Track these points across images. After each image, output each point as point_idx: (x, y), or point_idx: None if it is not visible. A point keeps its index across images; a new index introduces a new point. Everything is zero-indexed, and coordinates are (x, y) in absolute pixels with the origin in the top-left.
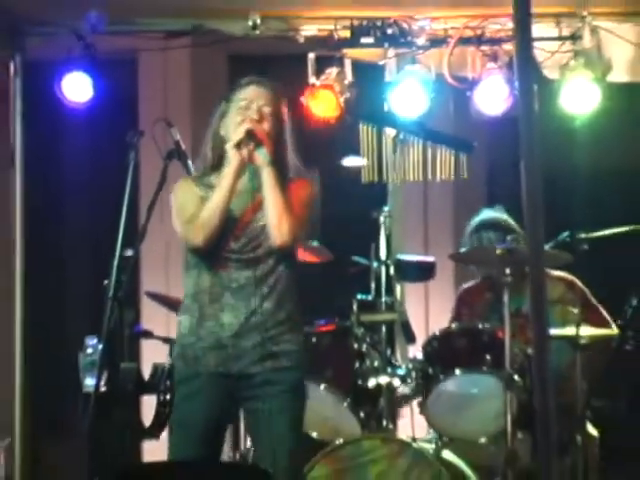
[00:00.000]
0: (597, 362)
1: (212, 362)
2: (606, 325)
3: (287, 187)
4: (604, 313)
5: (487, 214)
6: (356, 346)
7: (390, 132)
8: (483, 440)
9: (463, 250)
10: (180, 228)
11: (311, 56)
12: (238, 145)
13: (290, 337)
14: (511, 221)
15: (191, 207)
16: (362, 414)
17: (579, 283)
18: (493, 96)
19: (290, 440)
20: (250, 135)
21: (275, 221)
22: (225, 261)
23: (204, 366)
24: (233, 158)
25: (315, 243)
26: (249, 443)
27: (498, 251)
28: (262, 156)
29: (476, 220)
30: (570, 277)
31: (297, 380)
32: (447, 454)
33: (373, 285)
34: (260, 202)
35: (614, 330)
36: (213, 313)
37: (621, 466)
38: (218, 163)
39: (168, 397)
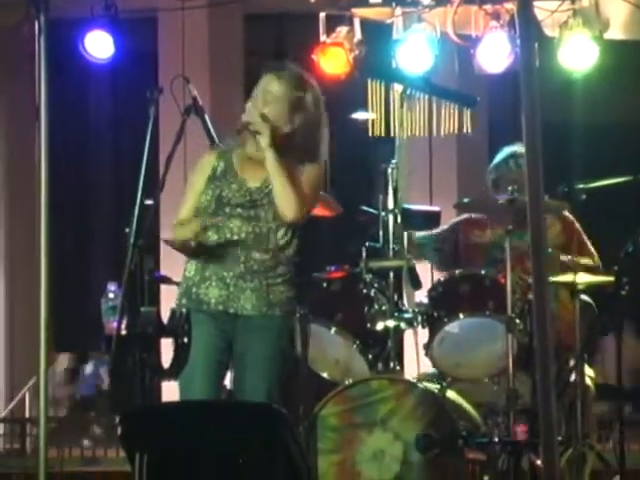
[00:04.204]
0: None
1: (213, 300)
2: (590, 255)
3: (296, 167)
4: (591, 248)
5: (518, 147)
6: (365, 291)
7: (397, 87)
8: (485, 380)
9: (491, 177)
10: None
11: (322, 15)
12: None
13: (284, 288)
14: None
15: (187, 204)
16: (370, 356)
17: (572, 218)
18: (495, 53)
19: (270, 388)
20: (246, 127)
21: (280, 198)
22: (228, 217)
23: (206, 303)
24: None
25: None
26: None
27: (500, 201)
28: (261, 142)
29: (507, 151)
30: (569, 217)
31: (285, 329)
32: (451, 394)
33: (381, 233)
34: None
35: (597, 260)
36: (217, 259)
37: (616, 405)
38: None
39: (186, 340)
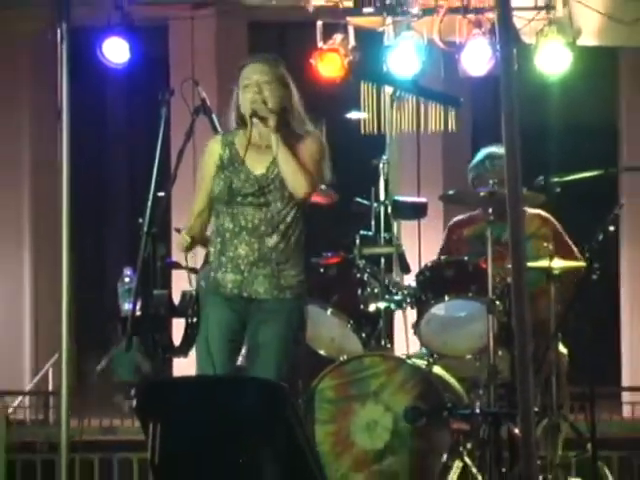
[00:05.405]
0: (567, 290)
1: (229, 284)
2: (574, 258)
3: (297, 144)
4: (573, 247)
5: (495, 148)
6: (359, 276)
7: (388, 89)
8: (468, 357)
9: (470, 175)
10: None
11: (319, 24)
12: (251, 118)
13: (294, 273)
14: None
15: (200, 194)
16: (363, 334)
17: (553, 219)
18: (478, 58)
19: (280, 365)
20: (254, 114)
21: (291, 179)
22: (241, 205)
23: (223, 287)
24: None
25: (323, 186)
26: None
27: (482, 194)
28: (270, 124)
29: (484, 152)
30: (545, 214)
31: (296, 311)
32: (437, 369)
33: (373, 222)
34: (272, 158)
35: (582, 262)
36: (233, 245)
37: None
38: (240, 125)
39: (195, 320)
